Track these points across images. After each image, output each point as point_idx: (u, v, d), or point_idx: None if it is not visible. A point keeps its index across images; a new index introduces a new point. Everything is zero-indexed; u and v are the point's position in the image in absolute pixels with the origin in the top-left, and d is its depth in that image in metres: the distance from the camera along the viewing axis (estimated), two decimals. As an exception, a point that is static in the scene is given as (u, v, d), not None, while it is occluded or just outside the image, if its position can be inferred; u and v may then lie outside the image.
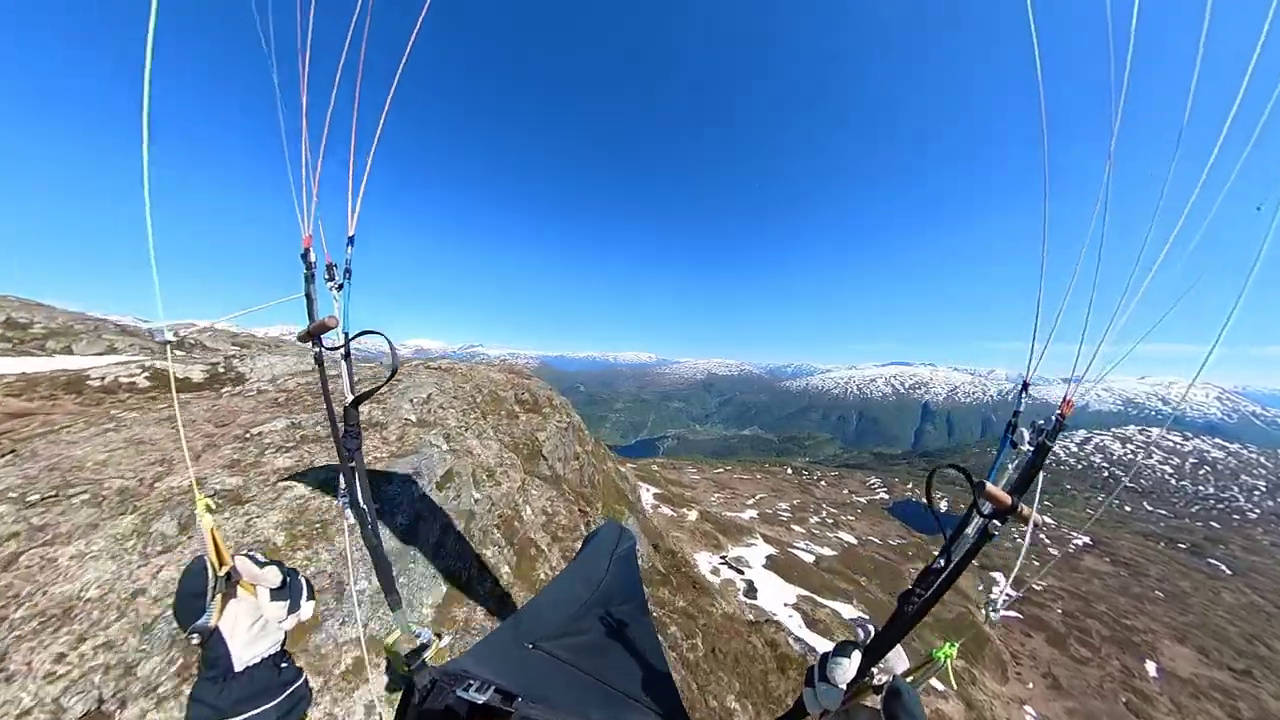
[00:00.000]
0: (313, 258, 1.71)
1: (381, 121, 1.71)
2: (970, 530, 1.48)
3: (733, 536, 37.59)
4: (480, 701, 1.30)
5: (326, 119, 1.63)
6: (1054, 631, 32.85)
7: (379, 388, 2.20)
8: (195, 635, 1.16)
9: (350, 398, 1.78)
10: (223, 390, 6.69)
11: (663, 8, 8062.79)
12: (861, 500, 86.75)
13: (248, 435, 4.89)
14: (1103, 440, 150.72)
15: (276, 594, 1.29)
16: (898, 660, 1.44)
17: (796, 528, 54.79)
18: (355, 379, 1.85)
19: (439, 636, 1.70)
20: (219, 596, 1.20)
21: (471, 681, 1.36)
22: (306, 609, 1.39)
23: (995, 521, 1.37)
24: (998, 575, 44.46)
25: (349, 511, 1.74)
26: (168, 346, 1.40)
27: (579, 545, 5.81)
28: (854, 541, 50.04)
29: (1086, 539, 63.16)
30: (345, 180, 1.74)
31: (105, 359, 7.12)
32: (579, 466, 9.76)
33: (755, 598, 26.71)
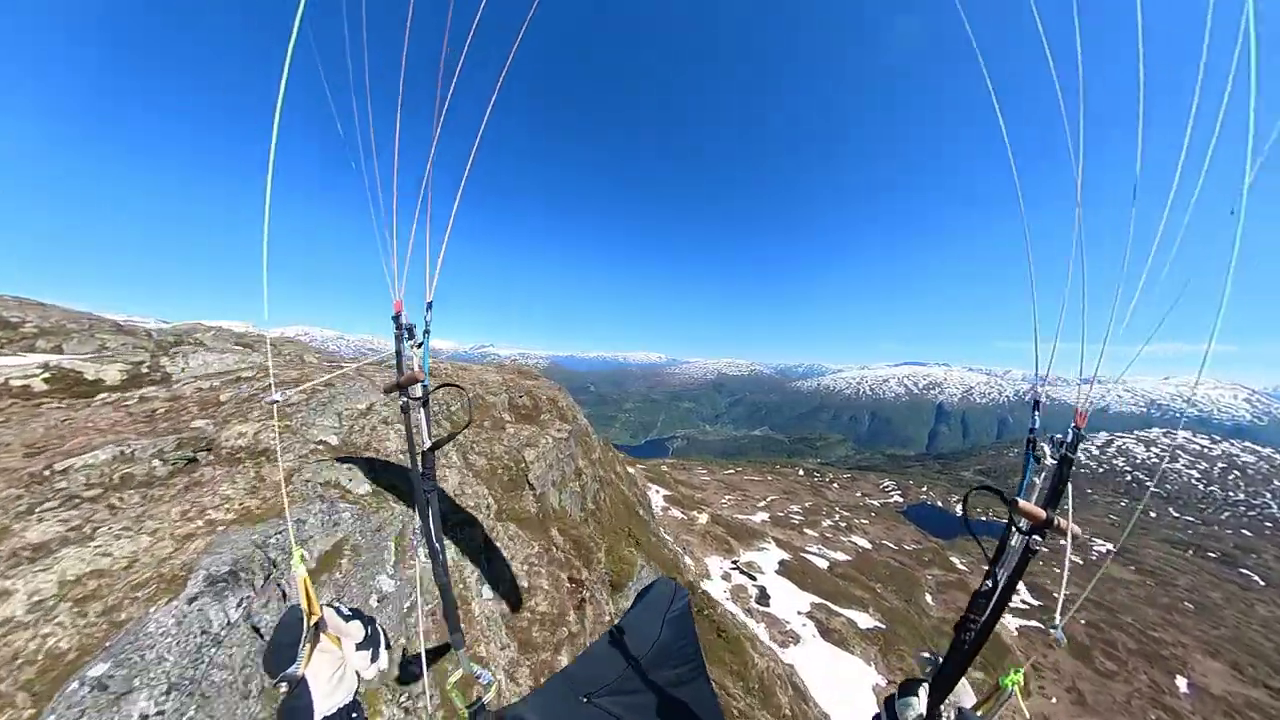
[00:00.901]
0: (404, 320, 1.90)
1: (455, 205, 1.95)
2: (1015, 544, 1.47)
3: (744, 540, 37.08)
4: None
5: (415, 213, 1.87)
6: (1078, 643, 31.78)
7: (455, 435, 2.22)
8: (284, 684, 1.20)
9: (428, 443, 1.96)
10: (101, 398, 5.16)
11: (676, 11, 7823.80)
12: (875, 503, 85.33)
13: (47, 473, 3.26)
14: (1125, 443, 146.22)
15: (360, 645, 1.35)
16: (964, 694, 1.38)
17: (809, 531, 53.97)
18: (428, 423, 2.01)
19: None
20: (308, 646, 1.24)
21: None
22: (384, 658, 1.43)
23: (1036, 537, 1.39)
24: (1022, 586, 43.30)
25: (421, 551, 1.87)
26: (274, 406, 2.23)
27: (562, 657, 4.71)
28: (868, 546, 49.10)
29: (1110, 546, 61.28)
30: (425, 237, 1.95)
31: (39, 359, 6.03)
32: (580, 488, 8.28)
33: (768, 605, 26.19)
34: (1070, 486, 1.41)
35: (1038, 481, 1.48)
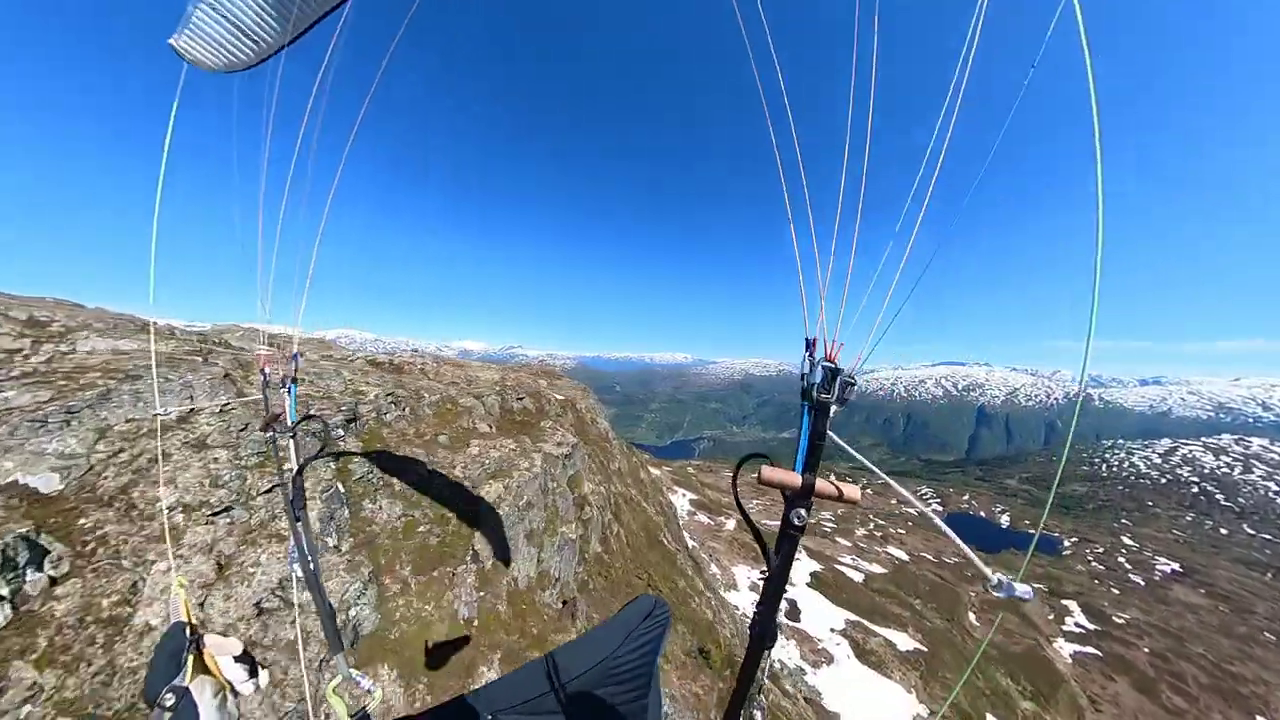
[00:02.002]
0: (268, 371, 2.39)
1: (310, 270, 2.30)
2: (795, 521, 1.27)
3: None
4: None
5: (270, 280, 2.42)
6: (1141, 675, 29.29)
7: (315, 457, 2.50)
8: (170, 696, 1.21)
9: (295, 467, 2.16)
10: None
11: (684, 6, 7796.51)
12: (912, 511, 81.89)
13: None
14: (1191, 451, 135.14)
15: (238, 659, 1.42)
16: None
17: (841, 540, 52.18)
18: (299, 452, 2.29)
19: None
20: (191, 659, 1.28)
21: None
22: (263, 676, 1.54)
23: (800, 511, 1.21)
24: (1071, 604, 40.47)
25: (296, 567, 1.99)
26: (157, 419, 2.55)
27: None
28: (905, 558, 47.02)
29: (1176, 566, 56.59)
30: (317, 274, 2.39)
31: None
32: (581, 529, 5.99)
33: (798, 620, 25.28)
34: (829, 440, 1.22)
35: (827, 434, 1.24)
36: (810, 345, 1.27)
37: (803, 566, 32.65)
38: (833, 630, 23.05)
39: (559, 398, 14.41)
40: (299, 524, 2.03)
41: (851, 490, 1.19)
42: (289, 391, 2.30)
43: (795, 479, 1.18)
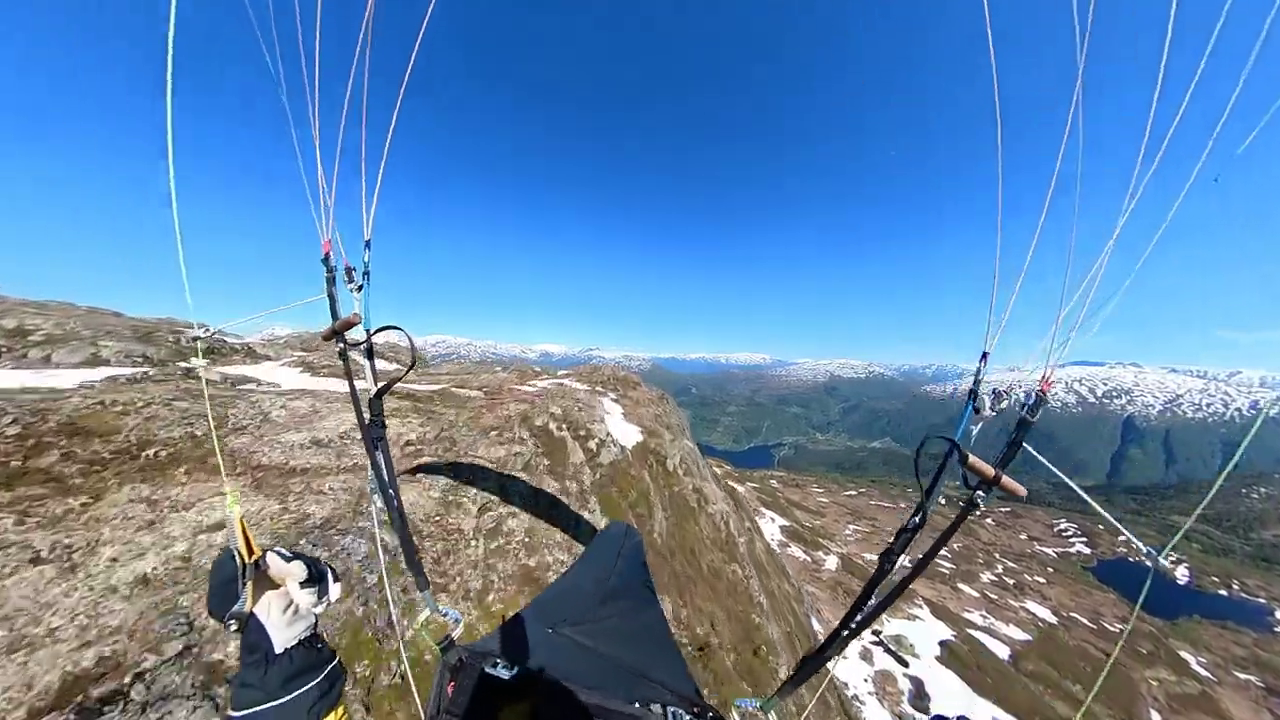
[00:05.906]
0: (333, 262, 1.83)
1: (391, 128, 1.80)
2: (951, 493, 1.60)
3: (888, 606, 31.87)
4: (506, 678, 1.47)
5: (340, 134, 1.72)
6: None
7: (399, 378, 2.12)
8: (233, 621, 1.22)
9: (374, 389, 1.92)
10: None
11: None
12: (1049, 552, 69.73)
13: None
14: None
15: (304, 584, 1.33)
16: None
17: (964, 587, 45.44)
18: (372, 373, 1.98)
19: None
20: (250, 584, 1.24)
21: (498, 660, 1.53)
22: (335, 590, 1.42)
23: (979, 492, 1.45)
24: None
25: (377, 497, 1.92)
26: (197, 343, 1.80)
27: None
28: (1051, 619, 39.45)
29: None
30: (362, 186, 1.81)
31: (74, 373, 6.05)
32: None
33: (925, 708, 21.52)
34: (1024, 448, 1.44)
35: (974, 431, 1.54)
36: (985, 357, 1.58)
37: (928, 631, 28.27)
38: (980, 734, 19.23)
39: (633, 440, 10.57)
40: (378, 453, 1.86)
41: (1019, 488, 1.44)
42: (362, 291, 1.84)
43: (990, 471, 1.42)
